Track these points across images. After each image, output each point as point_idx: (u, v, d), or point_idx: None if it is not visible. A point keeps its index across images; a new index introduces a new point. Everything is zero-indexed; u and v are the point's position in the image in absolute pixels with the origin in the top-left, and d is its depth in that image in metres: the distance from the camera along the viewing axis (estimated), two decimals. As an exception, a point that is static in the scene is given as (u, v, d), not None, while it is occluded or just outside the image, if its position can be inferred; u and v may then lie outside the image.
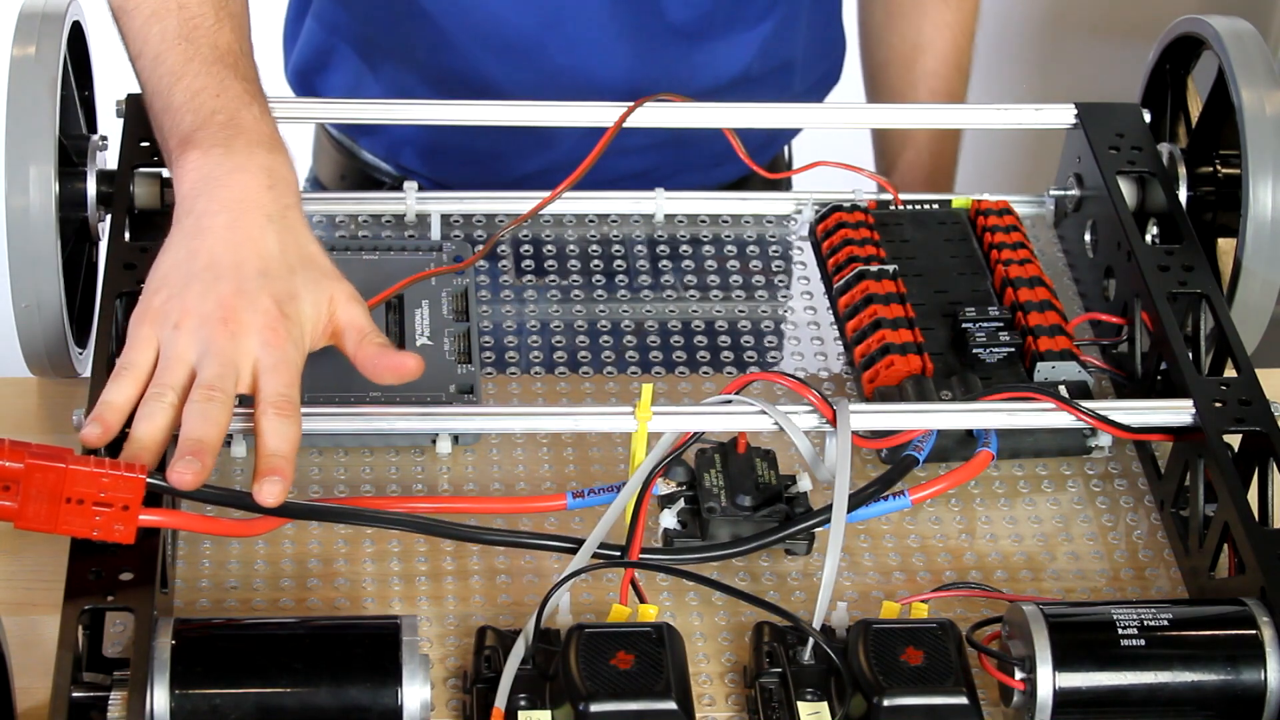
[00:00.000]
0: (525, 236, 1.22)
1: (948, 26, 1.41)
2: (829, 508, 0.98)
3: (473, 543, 1.00)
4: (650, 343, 1.16)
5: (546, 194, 1.19)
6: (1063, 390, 1.07)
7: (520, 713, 0.90)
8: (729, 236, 1.23)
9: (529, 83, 1.30)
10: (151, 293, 0.98)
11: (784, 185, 1.40)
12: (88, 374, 1.12)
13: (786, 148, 1.48)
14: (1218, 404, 1.03)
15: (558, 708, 0.90)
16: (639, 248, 1.22)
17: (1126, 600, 0.95)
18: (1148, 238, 1.16)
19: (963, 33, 1.41)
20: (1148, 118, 1.22)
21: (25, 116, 1.09)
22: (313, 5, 1.38)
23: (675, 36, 1.31)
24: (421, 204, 1.20)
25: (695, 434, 1.01)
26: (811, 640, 0.93)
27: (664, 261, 1.21)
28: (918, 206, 1.21)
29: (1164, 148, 1.21)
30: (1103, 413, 1.04)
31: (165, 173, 1.11)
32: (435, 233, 1.19)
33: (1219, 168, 1.20)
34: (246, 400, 0.96)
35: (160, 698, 0.86)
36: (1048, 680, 0.91)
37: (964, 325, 1.11)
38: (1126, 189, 1.17)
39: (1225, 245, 1.20)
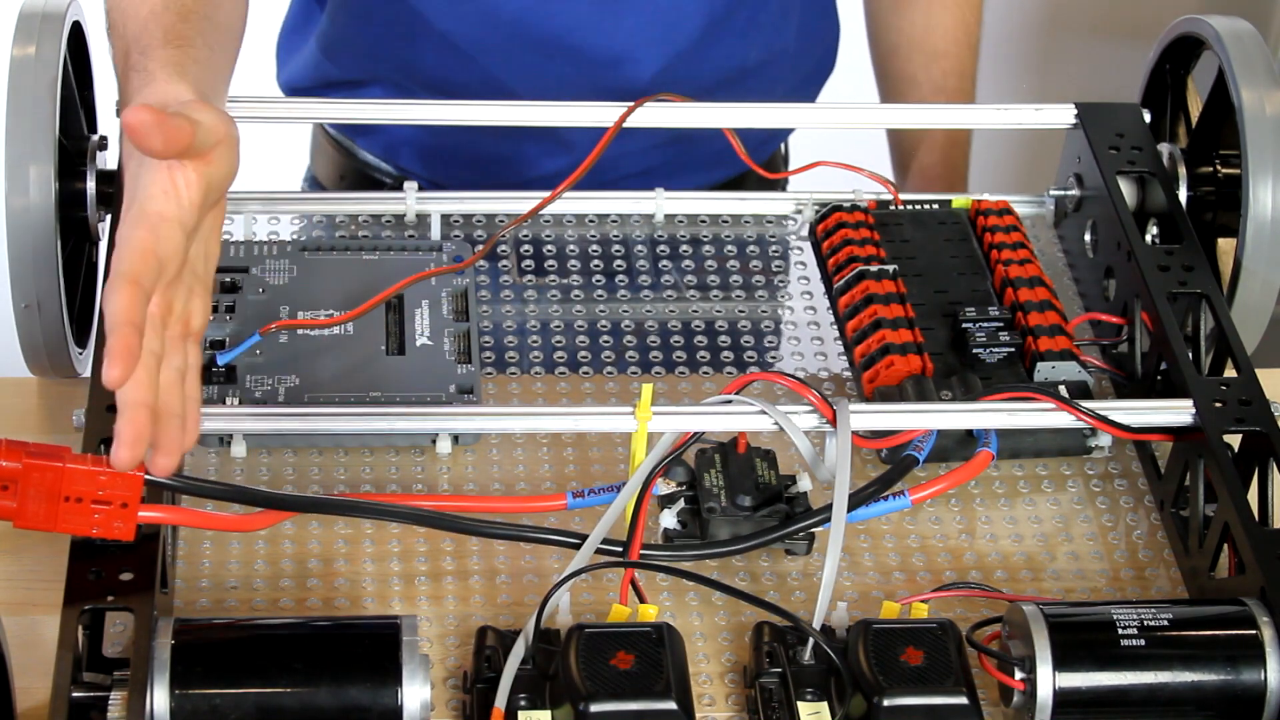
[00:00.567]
0: (525, 236, 1.22)
1: (955, 5, 1.41)
2: (829, 507, 0.98)
3: (474, 535, 1.00)
4: (650, 343, 1.16)
5: (546, 194, 1.19)
6: (1063, 390, 1.07)
7: (520, 713, 0.89)
8: (729, 236, 1.23)
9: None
10: None
11: (781, 184, 1.40)
12: (88, 374, 1.13)
13: (783, 144, 1.48)
14: (1218, 404, 1.03)
15: (558, 708, 0.89)
16: (639, 248, 1.22)
17: (1126, 600, 0.95)
18: (1148, 238, 1.16)
19: (970, 9, 1.41)
20: (1148, 118, 1.22)
21: (25, 116, 1.08)
22: (318, 29, 1.37)
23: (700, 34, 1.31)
24: (421, 204, 1.20)
25: (695, 434, 1.01)
26: (811, 640, 0.93)
27: (664, 261, 1.21)
28: (918, 206, 1.21)
29: (1164, 148, 1.21)
30: (1103, 413, 1.04)
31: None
32: (435, 233, 1.19)
33: (1219, 168, 1.20)
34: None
35: (160, 698, 0.86)
36: (1048, 680, 0.91)
37: (964, 325, 1.11)
38: (1126, 189, 1.17)
39: (1225, 245, 1.20)
